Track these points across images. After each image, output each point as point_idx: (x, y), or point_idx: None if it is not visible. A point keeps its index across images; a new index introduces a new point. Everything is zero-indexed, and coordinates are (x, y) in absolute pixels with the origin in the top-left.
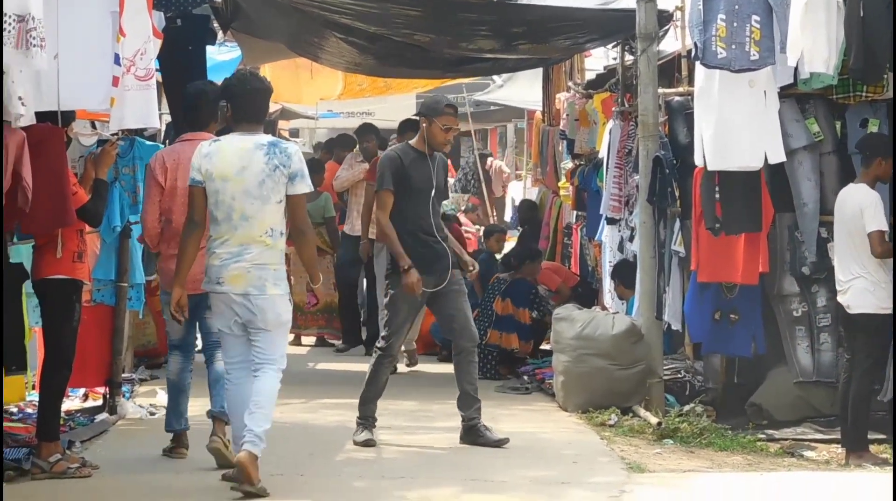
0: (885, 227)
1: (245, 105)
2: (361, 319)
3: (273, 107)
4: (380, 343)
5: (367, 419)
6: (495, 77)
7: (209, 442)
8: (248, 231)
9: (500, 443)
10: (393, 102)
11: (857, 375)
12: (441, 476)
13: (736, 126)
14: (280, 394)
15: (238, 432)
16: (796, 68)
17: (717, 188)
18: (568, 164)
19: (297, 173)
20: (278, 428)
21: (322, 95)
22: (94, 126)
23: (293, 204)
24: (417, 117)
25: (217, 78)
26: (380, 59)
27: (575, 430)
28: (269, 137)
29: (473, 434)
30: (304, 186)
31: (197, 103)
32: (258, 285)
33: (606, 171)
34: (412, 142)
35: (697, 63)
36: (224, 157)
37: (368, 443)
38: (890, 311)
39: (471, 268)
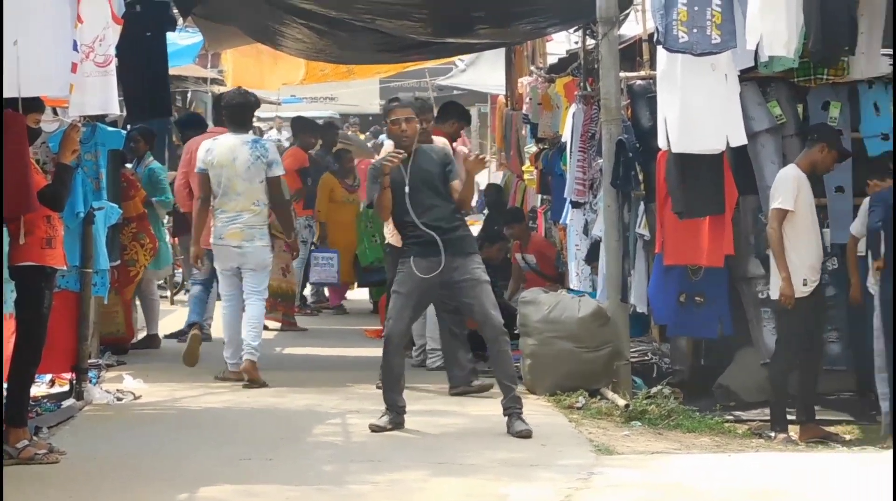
0: (785, 205)
1: (236, 114)
2: None
3: None
4: None
5: (388, 405)
6: (458, 62)
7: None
8: (241, 203)
9: (519, 434)
10: (356, 87)
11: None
12: (410, 459)
13: (699, 109)
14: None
15: (232, 342)
16: (757, 51)
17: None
18: (532, 148)
19: (273, 162)
20: (247, 413)
21: (285, 81)
22: (55, 113)
23: (270, 183)
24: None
25: (178, 63)
26: (340, 44)
27: (543, 413)
28: (252, 136)
29: (507, 423)
30: (279, 170)
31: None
32: (248, 238)
33: (570, 155)
34: None
35: (659, 47)
36: (221, 151)
37: (375, 428)
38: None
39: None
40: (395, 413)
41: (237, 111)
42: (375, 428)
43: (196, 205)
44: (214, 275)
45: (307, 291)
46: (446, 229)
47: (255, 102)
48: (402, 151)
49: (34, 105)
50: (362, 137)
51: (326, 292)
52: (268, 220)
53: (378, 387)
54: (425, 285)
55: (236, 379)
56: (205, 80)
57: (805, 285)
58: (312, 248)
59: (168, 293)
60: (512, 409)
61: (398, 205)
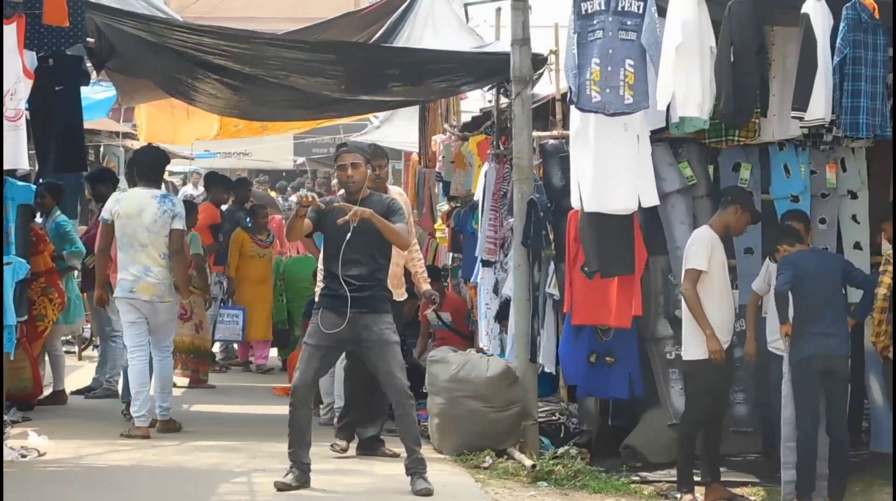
0: (699, 267)
1: (144, 169)
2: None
3: None
4: None
5: (293, 462)
6: (372, 118)
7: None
8: (148, 255)
9: (419, 492)
10: (270, 142)
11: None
12: None
13: (611, 169)
14: (153, 436)
15: (139, 395)
16: (668, 112)
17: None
18: (444, 206)
19: (178, 215)
20: (152, 471)
21: (198, 136)
22: None
23: (173, 236)
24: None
25: (91, 117)
26: (254, 100)
27: (450, 472)
28: (161, 191)
29: (411, 483)
30: (181, 224)
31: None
32: (159, 294)
33: (482, 213)
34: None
35: (573, 107)
36: (129, 203)
37: (281, 486)
38: (696, 357)
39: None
40: (301, 471)
41: (147, 166)
42: (281, 486)
43: (97, 254)
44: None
45: (216, 347)
46: (361, 286)
47: (166, 158)
48: (321, 204)
49: None
50: (273, 194)
51: (236, 347)
52: (173, 275)
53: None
54: (332, 340)
55: (142, 436)
56: (117, 134)
57: None
58: (221, 304)
59: (76, 349)
60: (415, 469)
61: (331, 253)
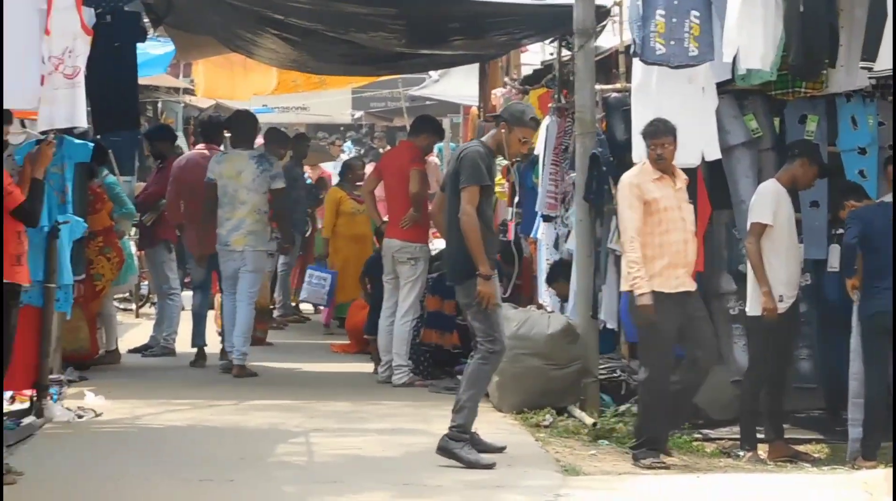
0: (764, 220)
1: (240, 132)
2: None
3: (207, 103)
4: (492, 346)
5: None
6: (431, 72)
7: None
8: (245, 211)
9: (500, 450)
10: (327, 97)
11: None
12: (374, 480)
13: (674, 123)
14: (209, 395)
15: (230, 337)
16: (734, 64)
17: None
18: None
19: (277, 175)
20: (209, 431)
21: (256, 90)
22: (23, 125)
23: (277, 195)
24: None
25: (150, 73)
26: (314, 54)
27: (509, 431)
28: (259, 151)
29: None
30: (282, 183)
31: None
32: (252, 244)
33: (542, 167)
34: (485, 140)
35: (636, 59)
36: (230, 165)
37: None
38: (760, 313)
39: None
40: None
41: (242, 130)
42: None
43: (204, 212)
44: (209, 280)
45: (276, 304)
46: None
47: (256, 121)
48: None
49: (2, 117)
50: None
51: (314, 308)
52: (268, 227)
53: None
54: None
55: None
56: (176, 89)
57: (781, 301)
58: (310, 265)
59: (133, 306)
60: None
61: (488, 208)
